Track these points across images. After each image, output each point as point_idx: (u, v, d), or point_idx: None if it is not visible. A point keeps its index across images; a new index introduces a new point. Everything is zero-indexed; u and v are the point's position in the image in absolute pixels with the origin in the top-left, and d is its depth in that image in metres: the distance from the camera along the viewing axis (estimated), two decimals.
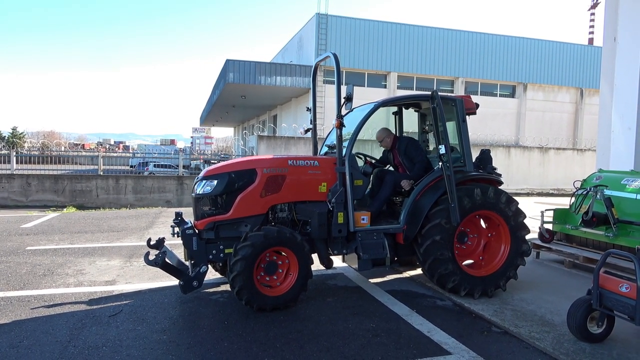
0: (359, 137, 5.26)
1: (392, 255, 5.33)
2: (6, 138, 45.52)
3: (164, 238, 5.07)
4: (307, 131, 6.28)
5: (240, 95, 30.35)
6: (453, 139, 5.63)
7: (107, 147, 60.58)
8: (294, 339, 4.22)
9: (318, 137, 6.53)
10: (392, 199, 5.97)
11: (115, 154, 34.89)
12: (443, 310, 5.07)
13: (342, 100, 5.03)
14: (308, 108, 6.37)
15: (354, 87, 4.97)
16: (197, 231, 4.96)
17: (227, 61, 26.51)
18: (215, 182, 4.97)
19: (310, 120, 6.29)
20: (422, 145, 6.49)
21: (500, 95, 31.25)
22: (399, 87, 28.89)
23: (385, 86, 28.99)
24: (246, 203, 4.93)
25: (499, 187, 5.67)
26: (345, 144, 5.17)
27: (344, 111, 5.16)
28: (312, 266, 5.00)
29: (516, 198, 5.86)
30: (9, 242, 8.24)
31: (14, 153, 19.34)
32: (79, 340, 4.10)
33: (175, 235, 5.04)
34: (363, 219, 5.21)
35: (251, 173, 5.01)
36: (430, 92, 5.27)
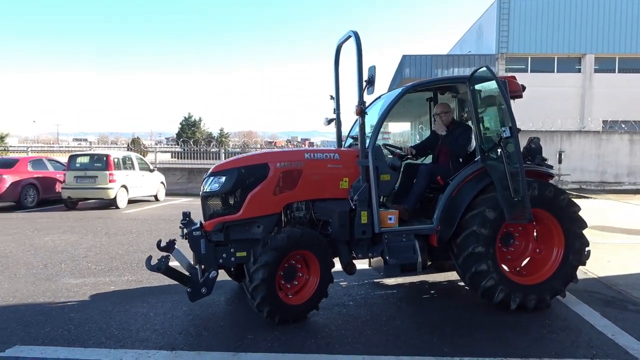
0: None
1: (425, 260, 4.74)
2: (216, 137, 53.52)
3: (174, 240, 4.74)
4: (329, 122, 5.62)
5: None
6: (495, 125, 4.94)
7: (295, 144, 66.32)
8: (463, 325, 4.37)
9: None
10: (426, 195, 5.25)
11: None
12: (634, 314, 4.63)
13: (364, 84, 4.46)
14: (331, 96, 5.59)
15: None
16: (205, 233, 4.52)
17: (404, 56, 26.83)
18: (223, 178, 4.54)
19: (334, 109, 5.59)
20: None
21: None
22: (596, 71, 25.57)
23: (579, 70, 25.97)
24: (258, 201, 4.46)
25: (549, 181, 5.01)
26: (369, 134, 4.62)
27: (366, 97, 4.60)
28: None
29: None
30: None
31: (223, 150, 22.82)
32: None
33: (184, 237, 4.64)
34: (390, 219, 4.64)
35: (263, 168, 4.53)
36: (468, 75, 4.76)
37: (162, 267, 4.33)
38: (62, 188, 13.92)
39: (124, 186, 14.18)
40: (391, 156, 5.36)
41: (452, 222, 4.68)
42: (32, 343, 3.94)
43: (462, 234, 4.59)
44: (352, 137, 5.46)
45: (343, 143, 5.61)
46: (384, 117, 4.74)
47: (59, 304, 4.97)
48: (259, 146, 29.36)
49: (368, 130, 4.66)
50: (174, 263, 4.57)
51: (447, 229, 4.69)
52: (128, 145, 32.36)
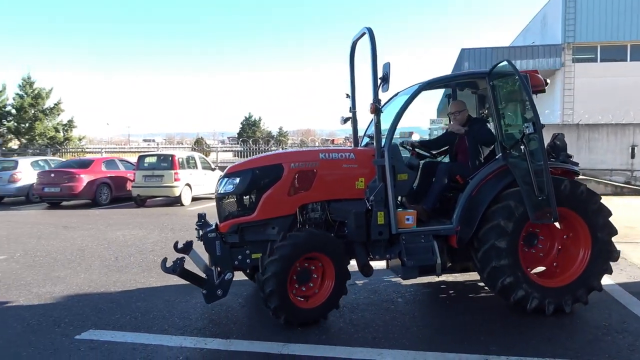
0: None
1: (445, 261, 4.61)
2: (275, 136, 54.72)
3: (192, 241, 4.76)
4: (346, 121, 5.52)
5: None
6: (516, 121, 4.71)
7: (352, 141, 66.21)
8: (512, 324, 4.33)
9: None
10: (445, 195, 5.08)
11: None
12: None
13: (379, 82, 4.31)
14: (347, 95, 5.46)
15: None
16: (221, 235, 4.52)
17: (462, 50, 26.12)
18: (237, 179, 4.54)
19: (350, 107, 5.47)
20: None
21: None
22: None
23: None
24: (272, 202, 4.44)
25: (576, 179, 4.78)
26: (385, 132, 4.48)
27: (381, 94, 4.42)
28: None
29: None
30: None
31: (281, 149, 23.40)
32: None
33: (200, 239, 4.66)
34: (408, 219, 4.49)
35: (277, 169, 4.50)
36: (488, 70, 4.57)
37: (177, 269, 4.29)
38: (132, 186, 14.86)
39: (188, 184, 14.90)
40: (409, 155, 5.21)
41: (472, 222, 4.51)
42: (104, 328, 4.35)
43: (485, 227, 4.44)
44: (369, 136, 5.38)
45: (359, 142, 5.56)
46: (400, 116, 4.60)
47: (127, 294, 5.42)
48: (316, 144, 29.73)
49: (385, 128, 4.54)
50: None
51: (466, 229, 4.53)
52: (192, 145, 33.86)
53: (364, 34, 4.74)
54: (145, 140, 74.35)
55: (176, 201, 14.68)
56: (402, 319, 4.52)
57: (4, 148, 26.93)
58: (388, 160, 4.38)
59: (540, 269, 5.02)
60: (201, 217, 4.88)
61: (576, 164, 5.01)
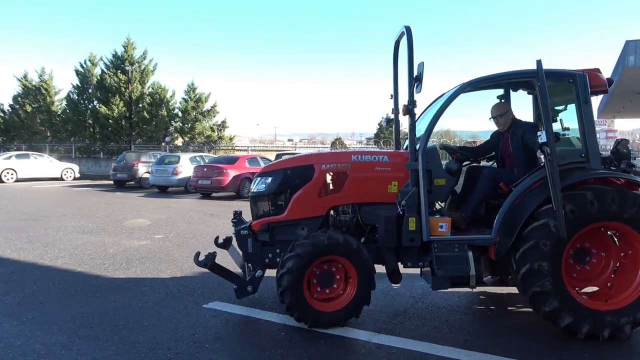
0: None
1: (481, 273, 4.29)
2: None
3: (232, 237, 4.88)
4: (389, 122, 5.29)
5: None
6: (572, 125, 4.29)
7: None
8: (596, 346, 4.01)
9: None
10: (490, 203, 4.70)
11: None
12: None
13: (413, 82, 4.13)
14: (391, 95, 5.21)
15: None
16: (253, 232, 4.63)
17: (627, 42, 23.10)
18: (269, 179, 4.60)
19: (392, 109, 5.20)
20: None
21: None
22: None
23: None
24: (302, 203, 4.46)
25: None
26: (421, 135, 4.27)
27: (416, 95, 4.19)
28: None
29: None
30: None
31: None
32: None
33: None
34: (441, 227, 4.22)
35: (309, 169, 4.50)
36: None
37: (208, 263, 4.50)
38: None
39: None
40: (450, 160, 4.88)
41: (511, 234, 4.17)
42: (226, 301, 5.07)
43: (522, 247, 4.09)
44: None
45: (402, 145, 5.40)
46: (436, 119, 4.35)
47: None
48: (452, 142, 28.89)
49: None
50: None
51: (505, 240, 4.19)
52: (332, 144, 35.31)
53: (402, 32, 4.58)
54: (289, 140, 79.73)
55: None
56: (493, 324, 4.49)
57: (171, 145, 31.25)
58: (422, 164, 4.21)
59: (593, 288, 4.52)
60: (237, 214, 5.06)
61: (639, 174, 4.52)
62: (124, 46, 32.53)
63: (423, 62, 4.12)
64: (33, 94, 34.81)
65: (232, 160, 17.47)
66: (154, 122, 31.90)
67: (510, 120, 4.83)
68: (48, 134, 35.90)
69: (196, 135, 32.46)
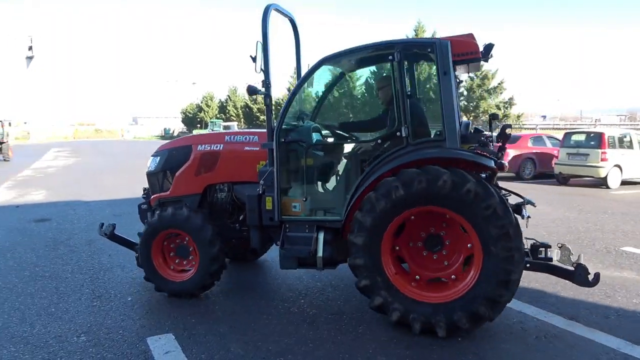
0: None
1: (329, 255, 4.09)
2: None
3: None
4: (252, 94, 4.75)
5: None
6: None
7: None
8: None
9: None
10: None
11: None
12: None
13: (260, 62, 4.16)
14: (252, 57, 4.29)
15: None
16: (152, 207, 4.96)
17: None
18: (158, 158, 4.99)
19: (262, 82, 4.37)
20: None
21: None
22: None
23: None
24: (182, 181, 4.76)
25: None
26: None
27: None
28: None
29: None
30: None
31: None
32: None
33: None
34: (294, 207, 4.27)
35: (187, 150, 4.80)
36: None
37: (107, 233, 5.04)
38: (555, 164, 14.85)
39: (618, 166, 13.56)
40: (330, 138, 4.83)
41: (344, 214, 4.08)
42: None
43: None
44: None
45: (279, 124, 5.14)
46: (293, 95, 4.38)
47: None
48: None
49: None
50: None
51: (346, 221, 4.05)
52: None
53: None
54: (596, 120, 68.25)
55: (602, 183, 13.68)
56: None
57: None
58: (277, 144, 4.19)
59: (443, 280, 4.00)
60: (145, 190, 5.42)
61: (499, 157, 3.97)
62: (414, 30, 34.41)
63: (259, 42, 4.16)
64: None
65: (513, 140, 16.60)
66: None
67: (390, 95, 4.35)
68: None
69: (480, 114, 31.95)
